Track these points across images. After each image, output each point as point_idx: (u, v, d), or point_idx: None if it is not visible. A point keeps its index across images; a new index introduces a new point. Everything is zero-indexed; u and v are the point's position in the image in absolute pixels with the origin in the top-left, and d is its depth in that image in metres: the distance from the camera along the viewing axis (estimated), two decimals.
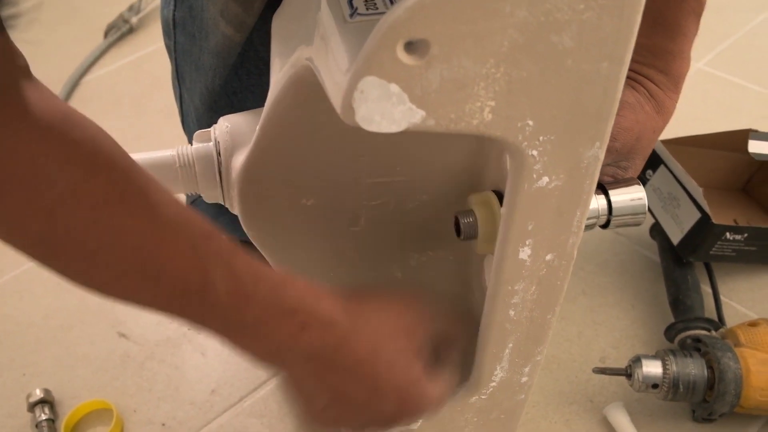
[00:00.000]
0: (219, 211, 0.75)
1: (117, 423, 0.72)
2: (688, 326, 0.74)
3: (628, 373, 0.68)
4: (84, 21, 1.38)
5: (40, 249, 0.36)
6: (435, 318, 0.45)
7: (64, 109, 0.35)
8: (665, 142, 0.86)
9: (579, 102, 0.34)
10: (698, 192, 0.79)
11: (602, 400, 0.73)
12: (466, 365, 0.50)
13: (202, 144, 0.53)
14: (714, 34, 1.25)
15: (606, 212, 0.49)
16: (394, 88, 0.31)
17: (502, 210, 0.40)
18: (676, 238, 0.81)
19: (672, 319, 0.77)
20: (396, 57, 0.31)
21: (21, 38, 0.32)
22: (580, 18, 0.31)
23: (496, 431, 0.55)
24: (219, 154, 0.52)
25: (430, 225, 0.56)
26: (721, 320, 0.78)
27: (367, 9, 0.38)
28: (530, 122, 0.35)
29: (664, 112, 0.52)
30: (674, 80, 0.52)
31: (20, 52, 0.34)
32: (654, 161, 0.85)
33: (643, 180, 0.87)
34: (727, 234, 0.78)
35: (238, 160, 0.51)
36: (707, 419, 0.70)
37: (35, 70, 0.36)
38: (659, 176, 0.85)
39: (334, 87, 0.35)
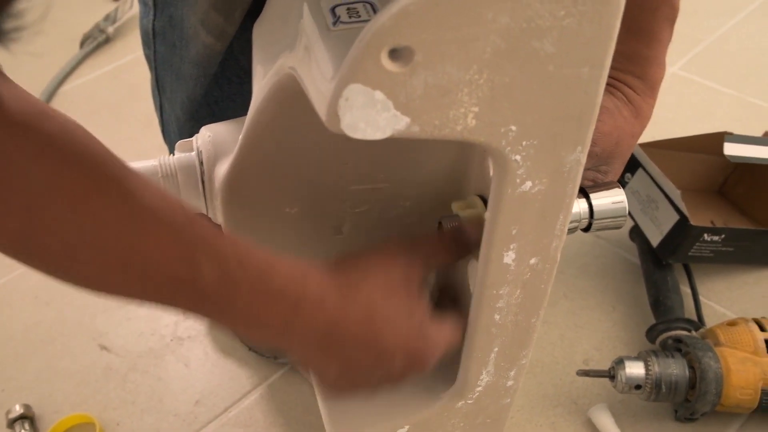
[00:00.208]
0: None
1: None
2: (668, 327, 0.75)
3: (611, 374, 0.69)
4: (60, 31, 1.37)
5: (20, 247, 0.35)
6: (421, 257, 0.44)
7: (37, 105, 0.35)
8: (642, 145, 0.88)
9: (561, 107, 0.35)
10: (676, 194, 0.80)
11: (586, 402, 0.74)
12: (452, 371, 0.50)
13: (185, 154, 0.53)
14: (687, 39, 1.28)
15: (587, 216, 0.49)
16: (379, 95, 0.32)
17: (486, 215, 0.40)
18: (655, 240, 0.82)
19: (653, 321, 0.78)
20: (380, 64, 0.31)
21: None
22: (561, 24, 0.32)
23: None
24: (202, 163, 0.52)
25: (413, 231, 0.56)
26: (700, 320, 0.79)
27: (349, 17, 0.38)
28: (513, 127, 0.35)
29: (641, 117, 0.53)
30: (651, 85, 0.53)
31: None
32: (632, 164, 0.86)
33: (621, 183, 0.88)
34: (705, 235, 0.80)
35: (221, 169, 0.51)
36: (689, 418, 0.71)
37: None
38: (637, 179, 0.86)
39: (318, 95, 0.35)
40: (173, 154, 0.54)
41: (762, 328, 0.71)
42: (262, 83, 0.45)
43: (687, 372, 0.68)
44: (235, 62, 0.62)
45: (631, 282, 0.87)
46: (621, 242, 0.91)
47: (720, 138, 0.84)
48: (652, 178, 0.84)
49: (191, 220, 0.37)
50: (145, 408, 0.75)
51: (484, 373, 0.49)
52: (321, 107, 0.34)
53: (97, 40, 1.36)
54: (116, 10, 1.40)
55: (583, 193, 0.49)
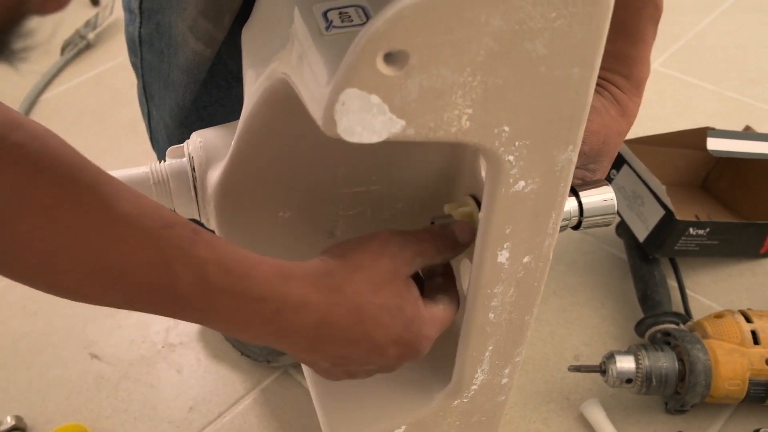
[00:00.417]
0: None
1: None
2: (657, 321, 0.76)
3: (602, 369, 0.70)
4: (40, 38, 1.36)
5: None
6: (410, 249, 0.44)
7: (7, 114, 0.34)
8: (627, 142, 0.89)
9: (552, 107, 0.35)
10: (662, 190, 0.81)
11: (578, 397, 0.75)
12: (447, 371, 0.50)
13: (176, 160, 0.53)
14: (666, 36, 1.29)
15: (577, 214, 0.50)
16: (375, 99, 0.32)
17: (480, 214, 0.41)
18: (641, 235, 0.83)
19: (641, 315, 0.79)
20: (376, 68, 0.31)
21: None
22: (552, 26, 0.32)
23: None
24: (193, 169, 0.52)
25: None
26: (688, 313, 0.80)
27: (342, 21, 0.38)
28: (506, 128, 0.35)
29: (628, 115, 0.54)
30: (636, 84, 0.54)
31: None
32: (617, 161, 0.88)
33: (608, 180, 0.89)
34: (691, 229, 0.81)
35: (214, 174, 0.51)
36: (679, 410, 0.72)
37: None
38: (623, 176, 0.87)
39: (313, 100, 0.36)
40: (164, 161, 0.54)
41: (748, 320, 0.72)
42: (253, 88, 0.45)
43: (676, 365, 0.69)
44: (224, 67, 0.62)
45: (618, 277, 0.88)
46: (608, 238, 0.92)
47: (702, 133, 0.86)
48: (637, 174, 0.85)
49: (167, 225, 0.37)
50: (138, 416, 0.75)
51: (479, 371, 0.49)
52: (317, 112, 0.34)
53: (78, 47, 1.35)
54: (97, 15, 1.39)
55: (573, 191, 0.50)
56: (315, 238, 0.56)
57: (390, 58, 0.31)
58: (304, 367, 0.56)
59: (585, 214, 0.50)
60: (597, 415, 0.72)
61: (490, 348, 0.48)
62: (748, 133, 0.92)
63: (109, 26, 1.39)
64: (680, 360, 0.70)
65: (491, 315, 0.45)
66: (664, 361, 0.69)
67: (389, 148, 0.40)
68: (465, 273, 0.57)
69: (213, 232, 0.53)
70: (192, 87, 0.61)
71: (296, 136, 0.47)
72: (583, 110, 0.36)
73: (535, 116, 0.35)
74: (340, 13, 0.39)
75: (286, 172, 0.50)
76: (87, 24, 1.38)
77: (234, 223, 0.52)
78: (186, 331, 0.84)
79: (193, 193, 0.52)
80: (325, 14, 0.39)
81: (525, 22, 0.32)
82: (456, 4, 0.30)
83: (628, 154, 0.87)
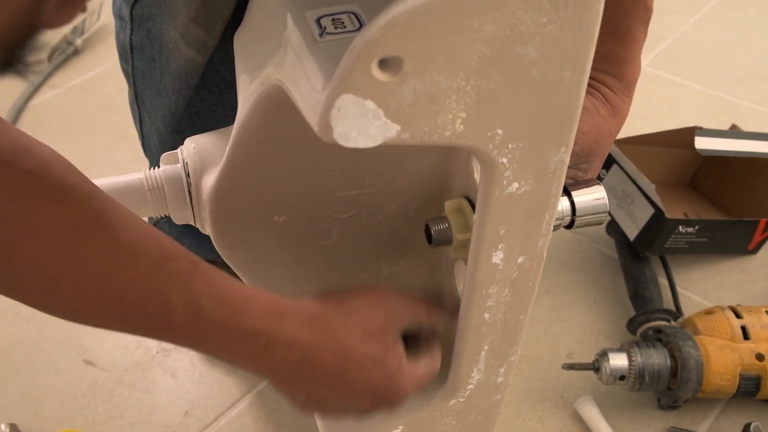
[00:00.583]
0: (181, 233, 0.75)
1: None
2: (648, 318, 0.77)
3: (595, 367, 0.71)
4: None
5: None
6: (405, 308, 0.45)
7: (17, 140, 0.35)
8: (616, 142, 0.89)
9: (545, 110, 0.36)
10: (651, 188, 0.82)
11: (572, 395, 0.75)
12: (443, 371, 0.51)
13: (170, 166, 0.53)
14: (653, 36, 1.30)
15: (570, 213, 0.50)
16: (370, 104, 0.32)
17: (475, 216, 0.41)
18: (632, 233, 0.84)
19: (633, 312, 0.80)
20: (371, 74, 0.31)
21: None
22: (544, 30, 0.33)
23: None
24: (188, 175, 0.52)
25: (400, 234, 0.57)
26: (678, 310, 0.81)
27: (335, 28, 0.39)
28: (500, 131, 0.36)
29: (619, 115, 0.55)
30: (627, 84, 0.54)
31: None
32: (607, 161, 0.88)
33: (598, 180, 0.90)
34: (680, 227, 0.82)
35: (208, 180, 0.51)
36: (672, 406, 0.73)
37: None
38: (613, 175, 0.88)
39: (309, 106, 0.36)
40: (157, 167, 0.54)
41: (738, 315, 0.73)
42: (247, 93, 0.46)
43: (668, 361, 0.70)
44: (216, 73, 0.62)
45: (610, 276, 0.89)
46: (598, 237, 0.93)
47: (690, 132, 0.87)
48: (626, 173, 0.86)
49: (167, 257, 0.38)
50: (134, 421, 0.75)
51: (475, 371, 0.50)
52: (312, 118, 0.35)
53: (65, 53, 1.34)
54: (84, 21, 1.39)
55: (565, 191, 0.50)
56: (310, 241, 0.56)
57: (384, 64, 0.31)
58: None
59: (577, 213, 0.50)
60: (591, 412, 0.72)
61: (486, 348, 0.48)
62: (734, 132, 0.93)
63: (97, 32, 1.39)
64: (672, 356, 0.70)
65: (486, 315, 0.46)
66: (657, 358, 0.70)
67: (383, 151, 0.40)
68: (460, 274, 0.58)
69: (200, 236, 0.54)
70: (184, 93, 0.61)
71: (290, 141, 0.47)
72: (574, 112, 0.37)
73: (527, 119, 0.36)
74: (333, 20, 0.39)
75: (280, 177, 0.51)
76: (74, 30, 1.37)
77: (229, 227, 0.53)
78: None
79: (188, 198, 0.52)
80: (318, 21, 0.39)
81: (516, 27, 0.32)
82: (449, 11, 0.31)
83: (618, 154, 0.88)
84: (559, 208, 0.50)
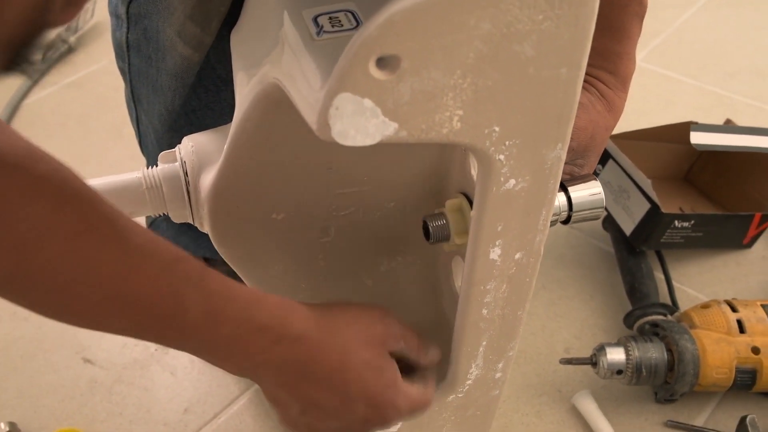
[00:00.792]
0: (179, 231, 0.75)
1: None
2: (645, 312, 0.77)
3: (593, 361, 0.71)
4: None
5: (12, 285, 0.36)
6: (401, 330, 0.47)
7: (25, 145, 0.36)
8: (611, 137, 0.90)
9: (541, 107, 0.36)
10: (647, 183, 0.82)
11: (570, 389, 0.76)
12: (442, 367, 0.51)
13: (168, 165, 0.53)
14: (647, 31, 1.30)
15: (567, 208, 0.51)
16: (368, 102, 0.33)
17: (472, 213, 0.41)
18: (628, 228, 0.85)
19: (629, 307, 0.81)
20: (368, 73, 0.32)
21: None
22: (540, 28, 0.33)
23: (473, 427, 0.57)
24: (186, 174, 0.52)
25: (398, 231, 0.57)
26: (674, 304, 0.81)
27: (332, 26, 0.39)
28: (496, 128, 0.36)
29: (614, 111, 0.55)
30: (622, 80, 0.55)
31: None
32: (603, 156, 0.89)
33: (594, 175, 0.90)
34: (676, 222, 0.82)
35: (206, 179, 0.51)
36: (669, 400, 0.73)
37: None
38: (609, 170, 0.88)
39: (307, 105, 0.36)
40: (155, 166, 0.54)
41: (734, 309, 0.74)
42: (245, 92, 0.46)
43: (665, 355, 0.70)
44: (212, 71, 0.62)
45: (606, 270, 0.89)
46: (595, 232, 0.93)
47: (685, 127, 0.87)
48: (622, 168, 0.86)
49: (178, 258, 0.39)
50: (133, 419, 0.75)
51: (473, 366, 0.50)
52: (311, 116, 0.35)
53: (59, 51, 1.34)
54: (77, 19, 1.38)
55: (562, 186, 0.51)
56: (309, 238, 0.56)
57: (382, 62, 0.32)
58: None
59: (574, 208, 0.51)
60: (589, 407, 0.73)
61: (484, 343, 0.49)
62: (729, 127, 0.94)
63: (90, 29, 1.38)
64: (669, 350, 0.71)
65: (484, 311, 0.46)
66: (654, 352, 0.70)
67: (381, 149, 0.40)
68: (458, 270, 0.58)
69: (198, 236, 0.54)
70: (181, 91, 0.61)
71: (288, 139, 0.48)
72: (571, 109, 0.37)
73: (524, 116, 0.36)
74: (330, 18, 0.40)
75: (278, 175, 0.51)
76: (68, 28, 1.37)
77: (228, 226, 0.53)
78: None
79: (186, 197, 0.52)
80: (315, 19, 0.40)
81: (513, 25, 0.32)
82: (446, 9, 0.31)
83: (614, 149, 0.88)
84: (556, 203, 0.50)
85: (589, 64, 0.54)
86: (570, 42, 0.34)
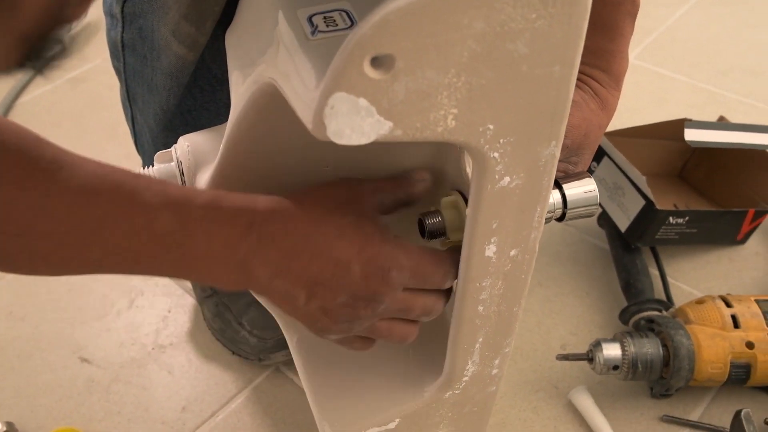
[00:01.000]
0: None
1: None
2: (640, 308, 0.78)
3: (589, 357, 0.71)
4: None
5: None
6: (370, 185, 0.47)
7: None
8: (606, 134, 0.90)
9: (535, 104, 0.36)
10: (642, 180, 0.82)
11: (566, 385, 0.76)
12: (438, 363, 0.51)
13: (164, 164, 0.53)
14: (639, 29, 1.31)
15: (561, 206, 0.51)
16: (363, 102, 0.33)
17: (468, 211, 0.42)
18: (623, 225, 0.85)
19: (625, 303, 0.81)
20: (363, 72, 0.32)
21: None
22: (533, 26, 0.33)
23: (470, 424, 0.57)
24: (182, 173, 0.52)
25: (393, 228, 0.58)
26: (669, 300, 0.82)
27: (327, 26, 0.39)
28: (491, 126, 0.36)
29: (608, 109, 0.55)
30: (615, 78, 0.55)
31: None
32: (598, 154, 0.89)
33: (589, 172, 0.91)
34: (670, 218, 0.83)
35: (203, 178, 0.51)
36: (664, 395, 0.74)
37: None
38: (603, 167, 0.89)
39: (302, 104, 0.36)
40: (151, 166, 0.54)
41: (728, 305, 0.74)
42: (240, 91, 0.46)
43: (661, 350, 0.71)
44: (207, 70, 0.62)
45: (601, 267, 0.89)
46: (590, 229, 0.94)
47: (679, 124, 0.87)
48: (617, 166, 0.87)
49: (135, 176, 0.40)
50: (131, 418, 0.76)
51: (469, 363, 0.50)
52: (306, 116, 0.35)
53: (53, 51, 1.34)
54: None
55: (556, 184, 0.51)
56: None
57: (377, 62, 0.32)
58: (297, 365, 0.56)
59: (569, 205, 0.51)
60: (585, 402, 0.73)
61: (480, 340, 0.49)
62: (723, 124, 0.94)
63: (84, 29, 1.38)
64: (664, 346, 0.71)
65: (480, 308, 0.46)
66: (649, 347, 0.71)
67: (376, 147, 0.41)
68: None
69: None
70: (176, 91, 0.61)
71: (284, 138, 0.48)
72: (564, 106, 0.37)
73: (518, 114, 0.36)
74: (325, 18, 0.40)
75: (274, 173, 0.51)
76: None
77: None
78: (176, 332, 0.84)
79: None
80: (310, 19, 0.40)
81: (506, 24, 0.33)
82: (440, 9, 0.31)
83: (608, 147, 0.88)
84: (551, 200, 0.50)
85: (582, 63, 0.55)
86: (563, 40, 0.34)
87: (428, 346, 0.56)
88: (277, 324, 0.58)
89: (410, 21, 0.31)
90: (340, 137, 0.34)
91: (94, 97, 1.23)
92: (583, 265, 0.90)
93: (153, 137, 0.67)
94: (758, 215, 0.88)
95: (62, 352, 0.83)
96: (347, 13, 0.40)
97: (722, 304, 0.74)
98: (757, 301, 0.75)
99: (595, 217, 0.93)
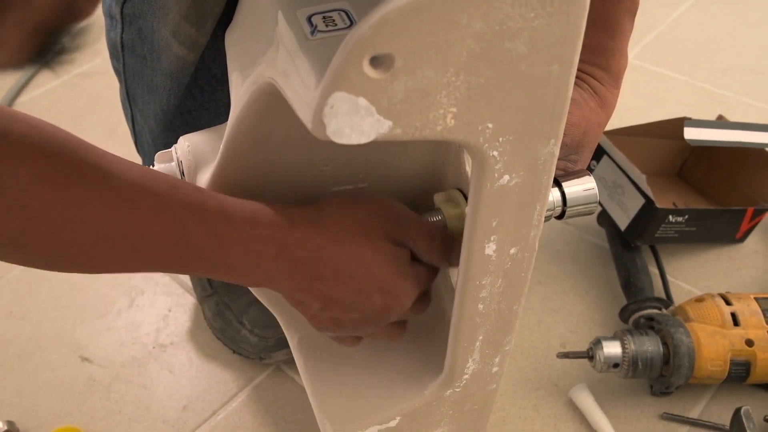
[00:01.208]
0: None
1: None
2: (640, 306, 0.78)
3: (590, 355, 0.72)
4: None
5: (22, 248, 0.37)
6: (404, 219, 0.47)
7: (0, 110, 0.37)
8: (606, 133, 0.91)
9: (534, 103, 0.37)
10: (641, 179, 0.83)
11: (566, 383, 0.76)
12: (440, 359, 0.52)
13: (165, 164, 0.53)
14: (639, 28, 1.31)
15: (561, 204, 0.51)
16: (362, 101, 0.33)
17: (467, 209, 0.42)
18: (623, 223, 0.85)
19: (625, 301, 0.81)
20: (363, 72, 0.32)
21: None
22: (531, 25, 0.33)
23: (471, 422, 0.57)
24: (183, 173, 0.52)
25: None
26: (669, 298, 0.82)
27: (326, 26, 0.39)
28: (490, 125, 0.36)
29: (607, 107, 0.55)
30: (614, 76, 0.55)
31: None
32: (597, 152, 0.89)
33: (588, 170, 0.91)
34: (670, 217, 0.83)
35: (203, 178, 0.51)
36: (664, 392, 0.74)
37: None
38: (603, 166, 0.89)
39: (302, 104, 0.36)
40: (152, 165, 0.54)
41: (727, 302, 0.74)
42: (240, 91, 0.46)
43: (661, 348, 0.71)
44: (207, 71, 0.62)
45: (601, 265, 0.90)
46: (590, 228, 0.94)
47: (679, 123, 0.88)
48: (617, 164, 0.87)
49: (175, 186, 0.41)
50: (132, 417, 0.76)
51: (470, 361, 0.50)
52: (306, 115, 0.35)
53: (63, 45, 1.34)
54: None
55: (556, 182, 0.51)
56: None
57: (376, 61, 0.32)
58: (298, 364, 0.56)
59: (568, 203, 0.51)
60: (585, 400, 0.73)
61: (480, 338, 0.49)
62: (722, 123, 0.94)
63: (83, 29, 1.38)
64: (664, 343, 0.72)
65: (480, 306, 0.46)
66: (649, 345, 0.71)
67: (376, 146, 0.41)
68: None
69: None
70: (176, 91, 0.61)
71: (284, 137, 0.48)
72: (563, 105, 0.38)
73: (517, 112, 0.36)
74: (324, 18, 0.40)
75: (274, 173, 0.51)
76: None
77: None
78: (176, 331, 0.84)
79: None
80: (309, 19, 0.40)
81: (505, 23, 0.33)
82: (439, 8, 0.31)
83: (608, 145, 0.88)
84: (550, 199, 0.51)
85: (581, 61, 0.55)
86: (561, 39, 0.34)
87: (429, 344, 0.56)
88: (278, 323, 0.58)
89: (409, 20, 0.31)
90: (339, 136, 0.34)
91: (93, 97, 1.23)
92: (583, 263, 0.90)
93: (153, 137, 0.67)
94: (757, 213, 0.88)
95: (63, 351, 0.83)
96: (346, 13, 0.40)
97: (722, 302, 0.74)
98: (756, 299, 0.75)
99: (594, 216, 0.93)
